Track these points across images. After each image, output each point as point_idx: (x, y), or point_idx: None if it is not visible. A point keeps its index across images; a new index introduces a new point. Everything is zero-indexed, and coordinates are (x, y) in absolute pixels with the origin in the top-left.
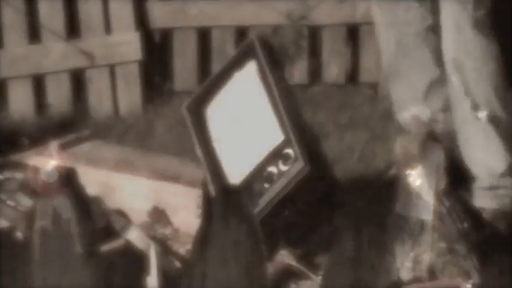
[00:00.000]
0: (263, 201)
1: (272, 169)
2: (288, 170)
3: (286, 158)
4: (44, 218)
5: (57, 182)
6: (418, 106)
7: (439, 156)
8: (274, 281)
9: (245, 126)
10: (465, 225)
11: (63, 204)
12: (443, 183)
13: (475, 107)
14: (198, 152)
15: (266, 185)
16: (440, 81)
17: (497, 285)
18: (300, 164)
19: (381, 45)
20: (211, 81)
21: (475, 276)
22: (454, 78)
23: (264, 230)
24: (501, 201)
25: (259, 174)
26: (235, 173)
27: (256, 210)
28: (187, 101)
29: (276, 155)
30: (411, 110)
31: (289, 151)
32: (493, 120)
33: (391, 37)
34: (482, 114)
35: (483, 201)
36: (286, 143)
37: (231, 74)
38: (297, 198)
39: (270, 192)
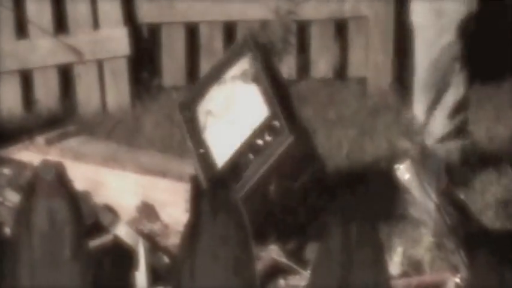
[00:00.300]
0: (248, 173)
1: (258, 142)
2: (273, 140)
3: (271, 130)
4: (40, 218)
5: (54, 179)
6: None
7: (439, 157)
8: (263, 276)
9: (234, 113)
10: (453, 220)
11: (59, 204)
12: (444, 183)
13: None
14: (189, 144)
15: (251, 156)
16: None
17: (485, 279)
18: (285, 134)
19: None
20: (204, 79)
21: (463, 270)
22: None
23: (254, 225)
24: None
25: (245, 148)
26: (225, 157)
27: (241, 182)
28: (180, 100)
29: (263, 129)
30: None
31: (275, 123)
32: None
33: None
34: None
35: None
36: (272, 116)
37: (224, 71)
38: (282, 173)
39: (255, 163)
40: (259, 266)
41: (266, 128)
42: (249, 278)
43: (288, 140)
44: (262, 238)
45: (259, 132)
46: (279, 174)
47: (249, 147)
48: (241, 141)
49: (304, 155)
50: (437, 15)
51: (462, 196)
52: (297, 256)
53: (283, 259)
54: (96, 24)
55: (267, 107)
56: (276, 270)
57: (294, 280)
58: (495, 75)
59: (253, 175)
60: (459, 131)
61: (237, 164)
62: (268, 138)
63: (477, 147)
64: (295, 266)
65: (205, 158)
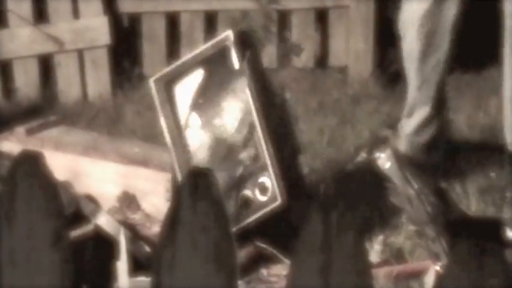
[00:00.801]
0: (236, 225)
1: (248, 193)
2: (265, 203)
3: (263, 189)
4: (20, 208)
5: (34, 169)
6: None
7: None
8: (245, 265)
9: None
10: (434, 208)
11: (40, 194)
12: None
13: None
14: (163, 125)
15: (243, 212)
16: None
17: (466, 267)
18: (277, 201)
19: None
20: (185, 62)
21: (444, 258)
22: None
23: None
24: None
25: (234, 189)
26: (203, 154)
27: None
28: (156, 76)
29: (253, 182)
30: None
31: (265, 180)
32: None
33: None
34: None
35: None
36: (262, 168)
37: (206, 60)
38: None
39: (245, 218)
40: (242, 255)
41: (256, 184)
42: (230, 267)
43: (280, 207)
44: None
45: (249, 184)
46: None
47: (238, 196)
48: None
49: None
50: None
51: (443, 184)
52: (281, 244)
53: (265, 248)
54: (76, 13)
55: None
56: (259, 259)
57: (276, 269)
58: (475, 63)
59: (240, 229)
60: (438, 121)
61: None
62: (259, 197)
63: (458, 135)
64: (278, 254)
65: (181, 146)
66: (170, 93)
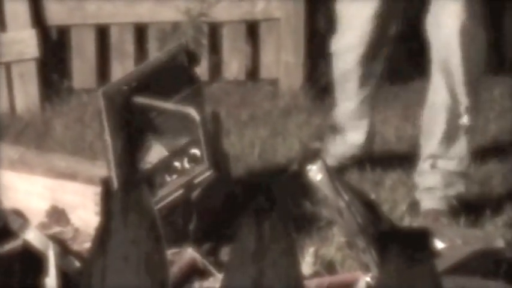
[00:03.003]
0: (161, 193)
1: (177, 164)
2: (192, 169)
3: (192, 157)
4: None
5: None
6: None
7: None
8: (178, 278)
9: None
10: (364, 219)
11: None
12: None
13: (466, 110)
14: (107, 138)
15: (168, 178)
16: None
17: (396, 278)
18: (204, 166)
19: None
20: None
21: (374, 269)
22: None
23: (171, 227)
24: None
25: (163, 166)
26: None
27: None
28: (106, 86)
29: (183, 152)
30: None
31: (196, 151)
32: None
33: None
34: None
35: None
36: (194, 142)
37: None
38: (197, 198)
39: (170, 186)
40: (175, 268)
41: (186, 153)
42: (162, 280)
43: (206, 172)
44: (177, 240)
45: (178, 155)
46: (192, 201)
47: (166, 168)
48: (159, 156)
49: (218, 180)
50: None
51: (372, 195)
52: (213, 258)
53: (198, 261)
54: (3, 26)
55: (192, 132)
56: (192, 273)
57: (208, 282)
58: (403, 75)
59: (166, 197)
60: (368, 133)
61: (153, 182)
62: (186, 165)
63: (386, 147)
64: (210, 268)
65: (121, 158)
66: (119, 103)
